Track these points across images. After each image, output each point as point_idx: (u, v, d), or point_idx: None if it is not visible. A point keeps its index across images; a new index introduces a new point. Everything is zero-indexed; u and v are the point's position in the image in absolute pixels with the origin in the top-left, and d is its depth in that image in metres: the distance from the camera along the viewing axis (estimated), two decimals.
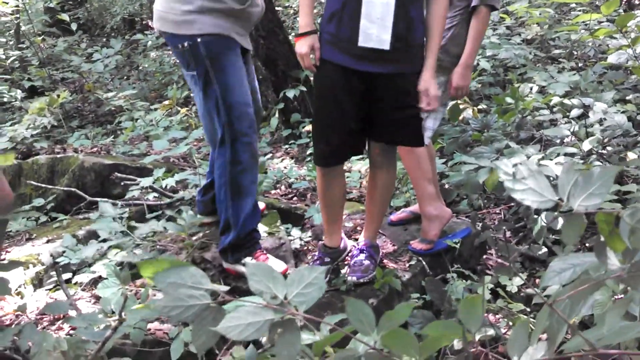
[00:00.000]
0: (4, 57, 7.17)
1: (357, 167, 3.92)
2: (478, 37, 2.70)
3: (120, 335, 1.89)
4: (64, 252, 2.75)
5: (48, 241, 3.01)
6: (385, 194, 2.60)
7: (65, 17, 6.83)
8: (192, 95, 5.86)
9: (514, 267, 2.83)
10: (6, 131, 5.15)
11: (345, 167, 2.70)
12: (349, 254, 2.69)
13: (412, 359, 0.89)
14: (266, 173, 3.97)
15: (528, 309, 2.47)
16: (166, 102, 5.58)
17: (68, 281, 2.64)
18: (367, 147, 2.53)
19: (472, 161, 2.96)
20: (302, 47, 2.30)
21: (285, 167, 4.35)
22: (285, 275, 2.57)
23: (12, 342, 1.65)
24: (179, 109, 5.46)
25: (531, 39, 5.96)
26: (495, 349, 2.17)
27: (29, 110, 5.66)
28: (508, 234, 3.30)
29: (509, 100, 3.69)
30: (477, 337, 1.84)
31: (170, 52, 6.91)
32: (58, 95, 5.74)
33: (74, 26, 7.09)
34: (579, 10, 5.99)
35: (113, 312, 2.00)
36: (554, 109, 3.87)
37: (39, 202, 3.53)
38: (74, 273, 2.70)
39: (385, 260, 2.78)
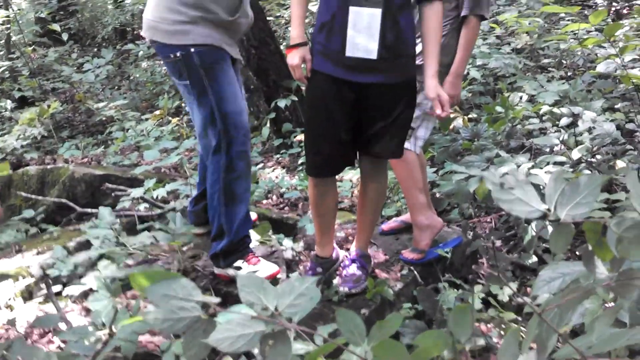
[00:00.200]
0: None
1: (349, 176, 3.93)
2: (468, 46, 2.72)
3: (112, 349, 1.87)
4: (54, 264, 2.73)
5: (38, 253, 2.99)
6: (377, 204, 2.61)
7: (56, 27, 6.83)
8: (183, 105, 5.88)
9: (503, 277, 2.83)
10: None
11: (336, 177, 2.70)
12: (341, 264, 2.68)
13: None
14: (257, 183, 3.97)
15: (520, 318, 2.47)
16: (157, 112, 5.57)
17: (58, 294, 2.62)
18: (358, 157, 2.54)
19: (462, 170, 2.97)
20: (293, 58, 2.31)
21: (276, 177, 4.35)
22: (276, 278, 2.58)
23: (1, 357, 1.64)
24: (170, 119, 5.46)
25: (521, 48, 6.01)
26: (487, 359, 2.17)
27: (19, 121, 5.64)
28: (499, 242, 3.30)
29: (499, 109, 3.72)
30: (467, 347, 1.85)
31: (161, 62, 6.91)
32: (48, 106, 5.72)
33: (65, 36, 7.09)
34: (568, 20, 6.04)
35: (104, 325, 1.99)
36: (544, 118, 3.89)
37: (29, 213, 3.51)
38: (64, 285, 2.68)
39: (377, 270, 2.78)
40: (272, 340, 0.84)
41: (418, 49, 2.40)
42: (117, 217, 3.19)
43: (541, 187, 2.40)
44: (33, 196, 3.62)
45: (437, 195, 3.52)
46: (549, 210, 0.85)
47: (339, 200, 2.94)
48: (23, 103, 6.73)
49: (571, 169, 3.15)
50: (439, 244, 2.90)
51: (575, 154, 3.23)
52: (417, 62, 2.41)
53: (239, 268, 2.53)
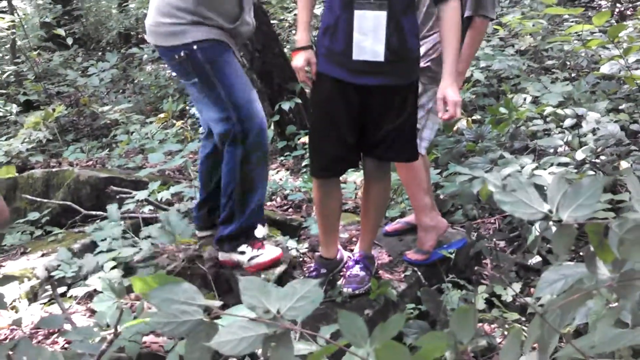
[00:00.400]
0: None
1: (352, 178, 3.93)
2: (471, 46, 2.73)
3: (116, 349, 1.88)
4: (59, 265, 2.74)
5: (43, 255, 3.01)
6: (380, 205, 2.62)
7: (61, 31, 6.86)
8: (187, 108, 5.89)
9: (507, 278, 2.83)
10: (1, 145, 5.15)
11: (340, 179, 2.71)
12: (345, 265, 2.69)
13: None
14: None
15: (523, 318, 2.47)
16: (162, 115, 5.59)
17: (63, 295, 2.64)
18: (362, 159, 2.55)
19: (466, 172, 2.97)
20: (297, 61, 2.34)
21: (280, 179, 4.35)
22: (279, 260, 2.58)
23: (7, 357, 1.65)
24: (175, 121, 5.48)
25: (524, 50, 6.00)
26: (490, 358, 2.17)
27: (24, 125, 5.67)
28: (503, 243, 3.30)
29: (502, 110, 3.72)
30: (470, 348, 1.84)
31: (166, 66, 6.93)
32: (53, 109, 5.75)
33: (69, 41, 7.12)
34: (572, 22, 6.04)
35: (108, 326, 1.99)
36: (548, 119, 3.89)
37: (34, 216, 3.53)
38: (69, 287, 2.70)
39: (380, 271, 2.78)
40: (274, 342, 0.84)
41: (422, 50, 2.41)
42: (122, 220, 3.20)
43: (545, 188, 2.40)
44: (38, 199, 3.64)
45: (441, 196, 3.52)
46: (551, 212, 0.85)
47: (342, 201, 2.94)
48: (28, 107, 6.76)
49: (575, 170, 3.14)
50: (443, 245, 2.90)
51: (579, 155, 3.23)
52: (422, 64, 2.42)
53: (242, 253, 2.54)
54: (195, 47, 2.33)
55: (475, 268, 3.04)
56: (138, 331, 1.99)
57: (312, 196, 2.80)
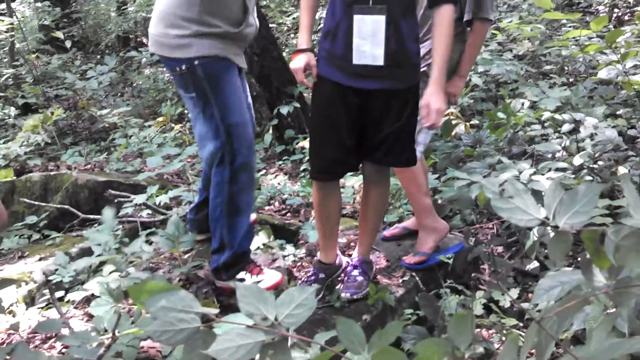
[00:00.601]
0: None
1: (351, 183, 3.93)
2: (472, 48, 2.74)
3: (114, 354, 1.88)
4: (56, 269, 2.74)
5: (41, 259, 3.00)
6: (379, 210, 2.62)
7: (59, 34, 6.86)
8: (186, 112, 5.90)
9: (503, 283, 2.83)
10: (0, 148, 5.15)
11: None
12: (343, 271, 2.69)
13: None
14: (260, 189, 3.98)
15: (521, 324, 2.47)
16: (160, 119, 5.59)
17: (60, 299, 2.63)
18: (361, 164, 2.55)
19: (464, 176, 2.98)
20: (297, 62, 2.36)
21: (279, 183, 4.35)
22: (280, 286, 2.58)
23: None
24: (173, 125, 5.47)
25: (522, 55, 6.02)
26: None
27: (22, 128, 5.66)
28: (501, 248, 3.30)
29: (501, 115, 3.73)
30: (467, 355, 1.84)
31: (164, 69, 6.94)
32: (52, 113, 5.75)
33: (68, 44, 7.12)
34: (570, 27, 6.05)
35: (106, 330, 1.99)
36: (546, 124, 3.90)
37: (31, 219, 3.52)
38: (67, 291, 2.69)
39: (378, 276, 2.78)
40: (271, 350, 0.84)
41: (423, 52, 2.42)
42: (120, 224, 3.20)
43: (543, 193, 2.41)
44: (36, 202, 3.63)
45: (439, 201, 3.52)
46: (547, 218, 0.85)
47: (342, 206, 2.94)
48: (27, 110, 6.76)
49: (573, 175, 3.15)
50: (440, 251, 2.90)
51: (577, 160, 3.23)
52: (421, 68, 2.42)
53: (242, 280, 2.53)
54: (197, 62, 2.32)
55: (472, 275, 3.04)
56: (136, 336, 1.98)
57: (312, 200, 2.81)
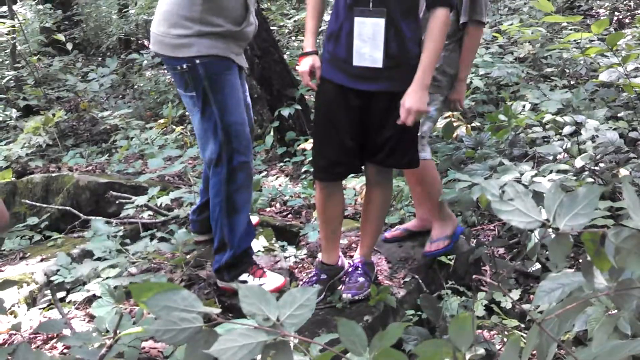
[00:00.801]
0: None
1: (352, 184, 3.94)
2: (468, 52, 2.76)
3: (115, 354, 1.88)
4: (58, 270, 2.74)
5: (42, 260, 3.01)
6: (381, 212, 2.63)
7: (61, 37, 6.87)
8: (187, 113, 5.89)
9: (505, 285, 2.84)
10: (1, 150, 5.15)
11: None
12: (345, 272, 2.69)
13: None
14: (261, 191, 3.98)
15: (522, 325, 2.47)
16: (161, 121, 5.60)
17: (62, 300, 2.64)
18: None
19: (465, 178, 2.97)
20: (302, 66, 2.41)
21: (280, 185, 4.36)
22: (283, 289, 2.59)
23: None
24: (174, 127, 5.48)
25: (523, 57, 6.02)
26: None
27: (24, 129, 5.67)
28: (502, 250, 3.31)
29: (502, 117, 3.73)
30: (468, 356, 1.85)
31: (166, 71, 6.95)
32: (53, 115, 5.76)
33: (69, 46, 7.13)
34: (571, 29, 6.06)
35: (107, 331, 2.00)
36: (547, 127, 3.90)
37: (33, 220, 3.53)
38: (68, 292, 2.70)
39: (380, 277, 2.78)
40: (273, 350, 0.84)
41: None
42: (122, 225, 3.21)
43: (544, 195, 2.41)
44: (37, 204, 3.64)
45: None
46: (548, 220, 0.86)
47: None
48: (28, 112, 6.76)
49: (574, 177, 3.15)
50: None
51: (579, 163, 3.23)
52: None
53: (244, 282, 2.54)
54: (198, 61, 2.34)
55: (474, 276, 3.04)
56: (137, 336, 1.99)
57: (313, 201, 2.81)
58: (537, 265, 3.06)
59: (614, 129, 3.63)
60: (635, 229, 0.81)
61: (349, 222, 3.43)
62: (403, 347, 2.34)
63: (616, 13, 7.28)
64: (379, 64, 2.25)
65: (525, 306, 2.62)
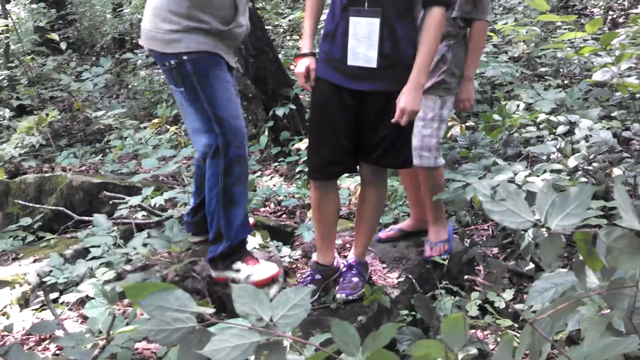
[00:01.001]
0: None
1: (347, 184, 3.94)
2: (473, 50, 2.76)
3: (108, 355, 1.88)
4: (51, 271, 2.73)
5: (35, 260, 2.99)
6: (375, 212, 2.62)
7: (55, 36, 6.84)
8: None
9: (498, 284, 2.84)
10: None
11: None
12: (340, 273, 2.69)
13: None
14: (255, 191, 3.97)
15: (516, 325, 2.48)
16: (155, 121, 5.59)
17: (55, 301, 2.62)
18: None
19: (459, 178, 2.98)
20: (298, 67, 2.42)
21: (274, 185, 4.35)
22: (277, 277, 2.59)
23: None
24: (168, 127, 5.47)
25: (518, 57, 6.03)
26: None
27: (17, 129, 5.64)
28: (496, 250, 3.31)
29: (496, 117, 3.74)
30: (461, 356, 1.85)
31: (160, 71, 6.93)
32: (47, 114, 5.73)
33: (63, 45, 7.09)
34: (565, 29, 6.07)
35: (100, 332, 1.99)
36: (541, 126, 3.91)
37: (26, 221, 3.51)
38: (61, 293, 2.69)
39: (374, 278, 2.78)
40: (267, 350, 0.84)
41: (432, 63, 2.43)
42: (115, 225, 3.19)
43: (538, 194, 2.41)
44: (30, 204, 3.62)
45: None
46: (539, 221, 0.86)
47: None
48: (21, 112, 6.73)
49: (568, 177, 3.16)
50: None
51: (572, 162, 3.24)
52: (435, 78, 2.45)
53: (238, 270, 2.54)
54: (185, 57, 2.35)
55: (466, 276, 3.05)
56: (130, 337, 1.98)
57: (308, 201, 2.81)
58: (531, 265, 3.06)
59: (608, 129, 3.64)
60: (626, 228, 0.81)
61: (343, 222, 3.43)
62: (397, 347, 2.34)
63: (610, 12, 7.31)
64: (373, 64, 2.25)
65: (519, 306, 2.63)
